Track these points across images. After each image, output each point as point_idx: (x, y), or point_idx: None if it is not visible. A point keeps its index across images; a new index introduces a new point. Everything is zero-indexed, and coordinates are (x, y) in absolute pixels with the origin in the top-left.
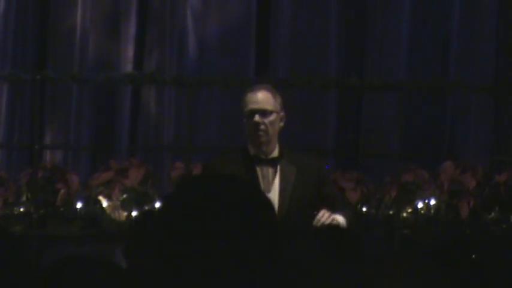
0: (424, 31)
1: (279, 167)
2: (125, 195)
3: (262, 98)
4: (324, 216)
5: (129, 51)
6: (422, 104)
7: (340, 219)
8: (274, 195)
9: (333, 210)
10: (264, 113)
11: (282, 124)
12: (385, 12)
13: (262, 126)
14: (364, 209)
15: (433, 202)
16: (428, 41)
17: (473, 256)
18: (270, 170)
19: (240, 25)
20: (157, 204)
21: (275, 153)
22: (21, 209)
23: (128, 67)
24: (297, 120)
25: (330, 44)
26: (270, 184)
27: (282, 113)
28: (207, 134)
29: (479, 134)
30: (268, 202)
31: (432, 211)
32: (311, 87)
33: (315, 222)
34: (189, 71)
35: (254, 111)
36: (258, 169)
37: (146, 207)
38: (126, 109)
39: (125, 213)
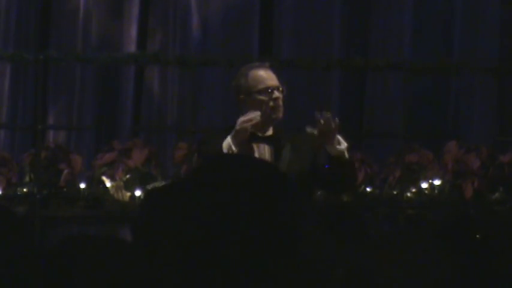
0: (428, 11)
1: (275, 146)
2: (128, 176)
3: (273, 75)
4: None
5: (133, 31)
6: (426, 84)
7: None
8: None
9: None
10: (280, 89)
11: None
12: None
13: (281, 102)
14: (368, 189)
15: (437, 182)
16: (432, 21)
17: (477, 236)
18: (266, 148)
19: (243, 5)
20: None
21: (270, 130)
22: (25, 190)
23: (131, 47)
24: (300, 101)
25: (334, 24)
26: None
27: None
28: (211, 114)
29: (483, 114)
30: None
31: (436, 191)
32: (315, 68)
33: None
34: (193, 51)
35: (273, 88)
36: (255, 147)
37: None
38: (130, 89)
39: (128, 194)
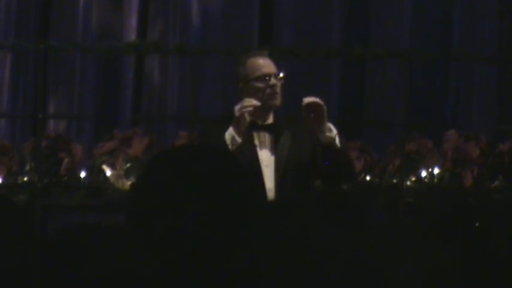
0: (428, 0)
1: (275, 134)
2: (128, 165)
3: (271, 63)
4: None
5: (133, 20)
6: (425, 73)
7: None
8: (271, 161)
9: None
10: (277, 77)
11: None
12: None
13: (278, 89)
14: (367, 178)
15: (436, 171)
16: (431, 10)
17: (477, 225)
18: (267, 136)
19: None
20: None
21: (270, 119)
22: (25, 178)
23: (131, 36)
24: (300, 90)
25: (334, 13)
26: (266, 150)
27: None
28: (211, 103)
29: (483, 103)
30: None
31: (436, 180)
32: (314, 57)
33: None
34: (193, 40)
35: (269, 75)
36: (255, 135)
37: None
38: (130, 78)
39: (129, 183)
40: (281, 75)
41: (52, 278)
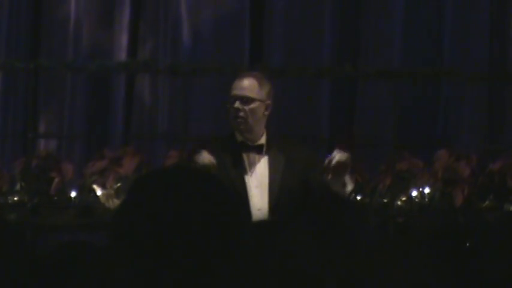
0: (418, 19)
1: (267, 155)
2: (119, 184)
3: (247, 85)
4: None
5: (123, 40)
6: (416, 92)
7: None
8: (263, 182)
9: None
10: (245, 100)
11: (266, 113)
12: (379, 0)
13: (241, 113)
14: (358, 198)
15: (427, 190)
16: (421, 29)
17: (468, 244)
18: (257, 157)
19: (234, 13)
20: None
21: (262, 140)
22: (15, 198)
23: (122, 55)
24: (290, 109)
25: (324, 33)
26: (257, 170)
27: (268, 102)
28: (201, 123)
29: (474, 122)
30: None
31: (426, 199)
32: (305, 76)
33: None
34: (183, 60)
35: (236, 98)
36: (245, 156)
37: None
38: (120, 98)
39: (119, 202)
40: (249, 100)
41: None
